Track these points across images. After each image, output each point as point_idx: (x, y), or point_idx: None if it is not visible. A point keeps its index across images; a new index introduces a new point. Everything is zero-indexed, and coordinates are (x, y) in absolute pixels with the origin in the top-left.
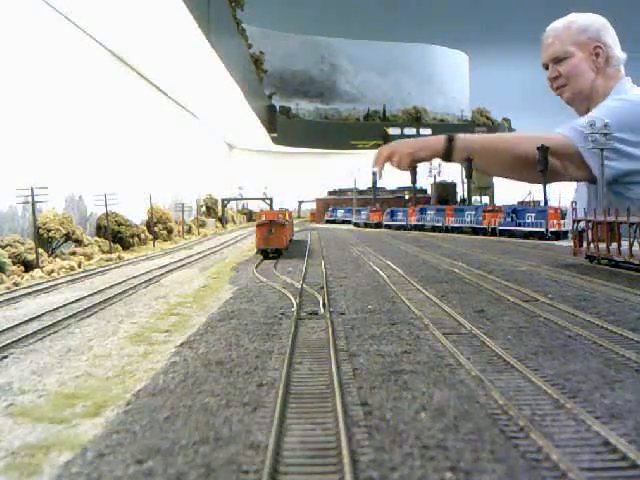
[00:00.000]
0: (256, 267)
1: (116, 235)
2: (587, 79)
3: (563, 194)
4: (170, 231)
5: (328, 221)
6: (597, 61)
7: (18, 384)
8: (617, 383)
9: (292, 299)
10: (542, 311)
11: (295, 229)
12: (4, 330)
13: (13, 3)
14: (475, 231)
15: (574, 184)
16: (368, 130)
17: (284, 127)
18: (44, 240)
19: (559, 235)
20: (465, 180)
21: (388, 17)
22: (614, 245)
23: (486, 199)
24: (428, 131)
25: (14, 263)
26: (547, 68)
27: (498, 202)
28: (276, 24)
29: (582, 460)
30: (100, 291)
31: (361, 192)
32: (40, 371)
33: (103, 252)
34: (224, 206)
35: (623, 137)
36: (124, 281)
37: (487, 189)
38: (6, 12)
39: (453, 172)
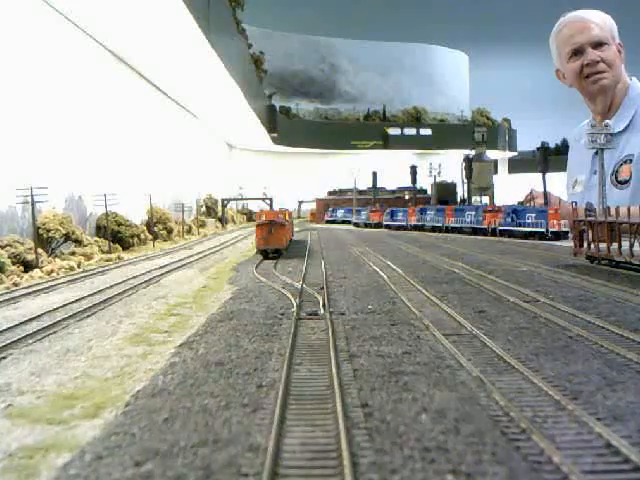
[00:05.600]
0: (256, 267)
1: (116, 235)
2: (621, 71)
3: (563, 195)
4: (170, 231)
5: (328, 221)
6: (620, 57)
7: (16, 385)
8: (619, 384)
9: (292, 299)
10: (543, 312)
11: (295, 229)
12: (3, 330)
13: (13, 3)
14: (475, 231)
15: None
16: (368, 130)
17: (284, 127)
18: (44, 240)
19: (559, 235)
20: (465, 180)
21: (388, 17)
22: (614, 245)
23: (486, 199)
24: (428, 131)
25: (13, 263)
26: (575, 54)
27: (498, 202)
28: (276, 24)
29: (584, 462)
30: (99, 291)
31: (361, 192)
32: (39, 372)
33: (103, 252)
34: (224, 206)
35: None
36: (124, 281)
37: (487, 189)
38: (6, 12)
39: (453, 172)
